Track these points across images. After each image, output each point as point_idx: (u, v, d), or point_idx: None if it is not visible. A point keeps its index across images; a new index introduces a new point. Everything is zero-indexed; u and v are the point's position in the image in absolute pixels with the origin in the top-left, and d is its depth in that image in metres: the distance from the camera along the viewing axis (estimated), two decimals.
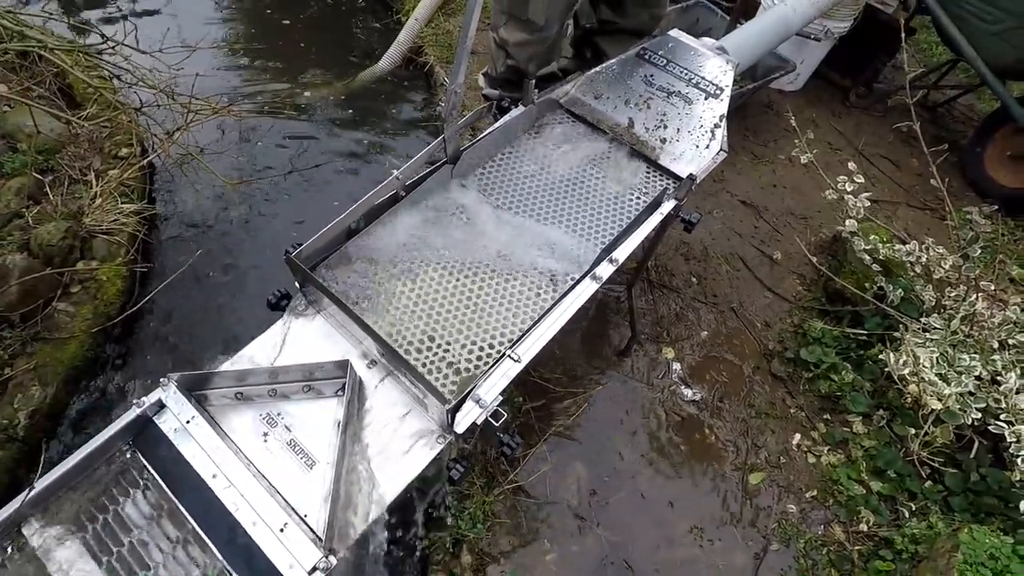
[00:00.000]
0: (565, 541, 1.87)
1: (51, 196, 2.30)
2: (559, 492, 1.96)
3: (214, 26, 3.67)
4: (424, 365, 1.47)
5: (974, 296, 2.13)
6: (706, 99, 1.92)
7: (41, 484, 1.26)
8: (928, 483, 2.08)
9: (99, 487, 1.33)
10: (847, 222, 2.42)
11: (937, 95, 3.97)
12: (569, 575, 1.81)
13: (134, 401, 1.36)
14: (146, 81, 2.03)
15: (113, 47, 1.93)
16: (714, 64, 1.94)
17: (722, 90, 1.91)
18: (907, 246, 2.33)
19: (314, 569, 1.20)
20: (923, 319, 2.21)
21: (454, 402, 1.28)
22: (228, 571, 1.24)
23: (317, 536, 1.25)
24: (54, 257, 2.12)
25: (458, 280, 1.60)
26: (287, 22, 3.76)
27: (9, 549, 1.24)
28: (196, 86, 2.25)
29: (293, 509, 1.30)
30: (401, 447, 1.40)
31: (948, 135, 3.74)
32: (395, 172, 1.59)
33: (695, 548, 1.92)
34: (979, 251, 2.11)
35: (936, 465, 2.02)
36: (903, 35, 2.33)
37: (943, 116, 3.93)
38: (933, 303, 2.28)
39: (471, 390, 1.33)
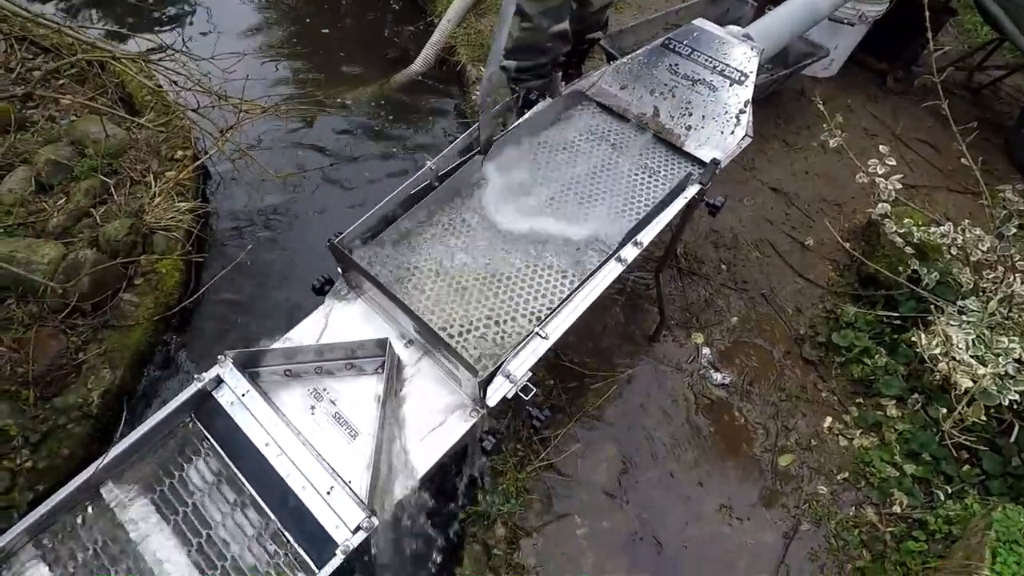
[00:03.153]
0: (596, 517, 1.93)
1: (115, 196, 2.49)
2: (590, 471, 2.03)
3: (257, 34, 3.86)
4: (457, 342, 1.56)
5: (1012, 277, 2.09)
6: (731, 86, 1.95)
7: (114, 451, 1.40)
8: (965, 467, 2.07)
9: (165, 455, 1.47)
10: (879, 205, 2.40)
11: (982, 76, 3.86)
12: (600, 550, 1.87)
13: (195, 376, 1.49)
14: (201, 85, 2.19)
15: (172, 55, 2.09)
16: (739, 51, 1.97)
17: (747, 76, 1.94)
18: (942, 228, 2.30)
19: (358, 528, 1.31)
20: (960, 302, 2.19)
21: (485, 375, 1.36)
22: (281, 531, 1.36)
23: (360, 500, 1.36)
24: (119, 252, 2.29)
25: (488, 263, 1.68)
26: (326, 30, 3.92)
27: (90, 508, 1.39)
28: (240, 90, 2.40)
29: (338, 475, 1.41)
30: (437, 420, 1.49)
31: (993, 116, 3.63)
32: (428, 162, 1.69)
33: (724, 526, 1.96)
34: (1014, 230, 2.07)
35: (970, 445, 2.00)
36: (925, 13, 2.28)
37: (988, 97, 3.82)
38: (971, 286, 2.25)
39: (501, 365, 1.41)
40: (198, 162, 2.57)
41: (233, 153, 2.46)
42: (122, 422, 1.72)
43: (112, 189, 2.50)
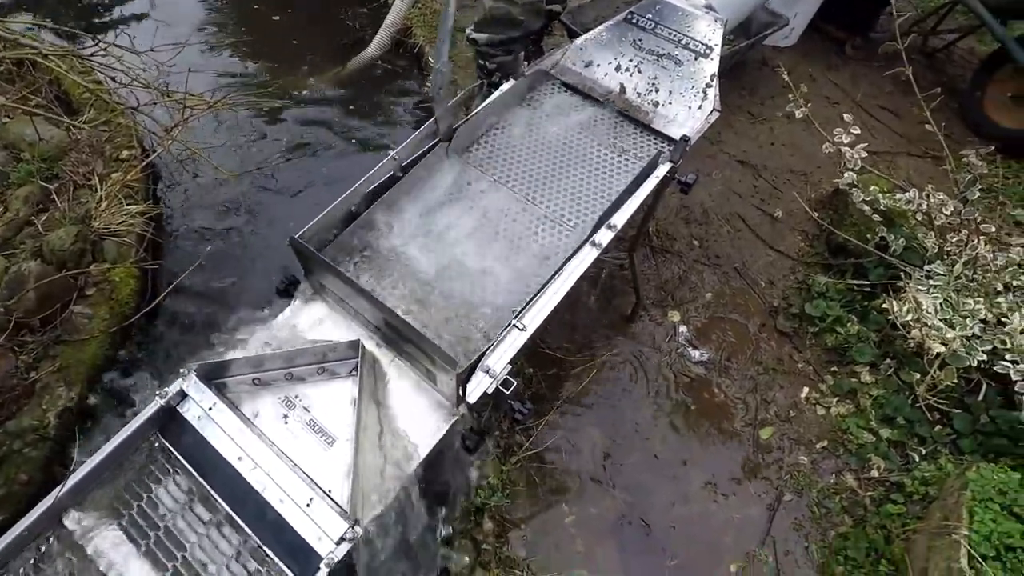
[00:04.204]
0: (583, 504, 1.92)
1: (58, 202, 2.34)
2: (574, 458, 2.01)
3: (204, 26, 3.67)
4: (434, 337, 1.50)
5: (975, 240, 2.13)
6: (696, 59, 1.91)
7: (75, 477, 1.32)
8: (937, 427, 2.12)
9: (131, 477, 1.39)
10: (845, 174, 2.42)
11: (936, 40, 3.91)
12: (588, 536, 1.87)
13: (157, 392, 1.41)
14: (140, 80, 2.05)
15: (104, 49, 1.95)
16: (703, 23, 1.93)
17: (712, 49, 1.90)
18: (907, 194, 2.33)
19: (341, 539, 1.26)
20: (926, 267, 2.22)
21: (463, 370, 1.32)
22: (261, 547, 1.30)
23: (342, 509, 1.31)
24: (67, 262, 2.16)
25: (462, 254, 1.63)
26: (276, 17, 3.74)
27: (52, 538, 1.31)
28: (190, 83, 2.26)
29: (317, 485, 1.35)
30: (417, 421, 1.44)
31: (948, 80, 3.69)
32: (391, 152, 1.62)
33: (710, 503, 1.98)
34: (978, 194, 2.10)
35: (944, 408, 2.05)
36: None
37: (942, 61, 3.88)
38: (936, 250, 2.28)
39: (480, 360, 1.37)
40: (145, 162, 2.42)
41: (182, 152, 2.32)
42: (76, 444, 1.62)
43: (54, 195, 2.35)
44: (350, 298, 1.49)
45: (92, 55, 1.96)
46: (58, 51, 2.26)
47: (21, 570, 1.27)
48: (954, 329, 2.04)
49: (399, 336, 1.44)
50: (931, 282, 2.16)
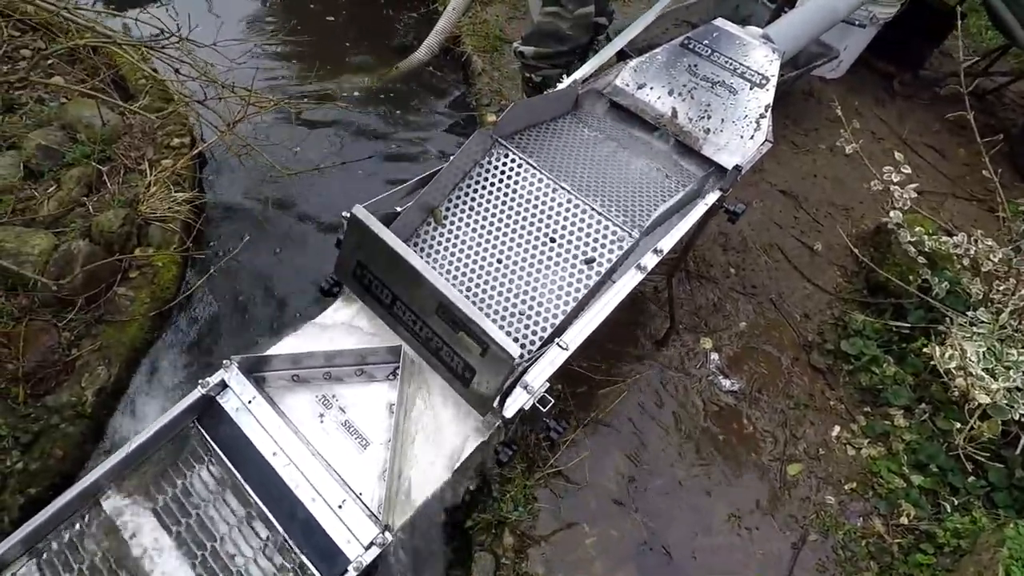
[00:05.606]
0: (604, 526, 1.90)
1: (109, 185, 2.39)
2: (598, 478, 2.00)
3: (261, 23, 3.74)
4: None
5: None
6: (751, 89, 1.90)
7: (115, 458, 1.34)
8: (971, 478, 2.06)
9: (167, 463, 1.41)
10: (892, 213, 2.38)
11: (987, 82, 3.85)
12: (608, 559, 1.84)
13: (199, 381, 1.43)
14: (208, 75, 2.10)
15: (178, 42, 2.00)
16: (759, 53, 1.93)
17: (767, 79, 1.89)
18: (955, 238, 2.29)
19: (371, 544, 1.26)
20: (970, 313, 2.18)
21: (504, 387, 1.32)
22: (289, 544, 1.31)
23: (373, 513, 1.31)
24: (113, 244, 2.21)
25: (502, 265, 1.62)
26: (330, 18, 3.81)
27: (88, 517, 1.33)
28: (244, 78, 2.32)
29: (350, 487, 1.36)
30: (452, 430, 1.45)
31: (998, 123, 3.63)
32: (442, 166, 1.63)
33: (733, 536, 1.94)
34: None
35: (981, 460, 1.99)
36: (958, 20, 2.25)
37: (993, 104, 3.81)
38: (980, 296, 2.24)
39: (520, 376, 1.36)
40: (196, 151, 2.47)
41: (236, 146, 2.37)
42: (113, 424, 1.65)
43: (105, 177, 2.41)
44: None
45: (164, 47, 2.01)
46: (131, 41, 2.32)
47: (55, 545, 1.29)
48: (996, 380, 1.99)
49: (452, 326, 1.40)
50: (975, 329, 2.11)
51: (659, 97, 1.99)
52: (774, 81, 1.89)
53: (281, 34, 3.38)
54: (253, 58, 2.85)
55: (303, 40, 3.59)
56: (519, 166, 1.71)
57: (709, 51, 1.97)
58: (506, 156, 1.72)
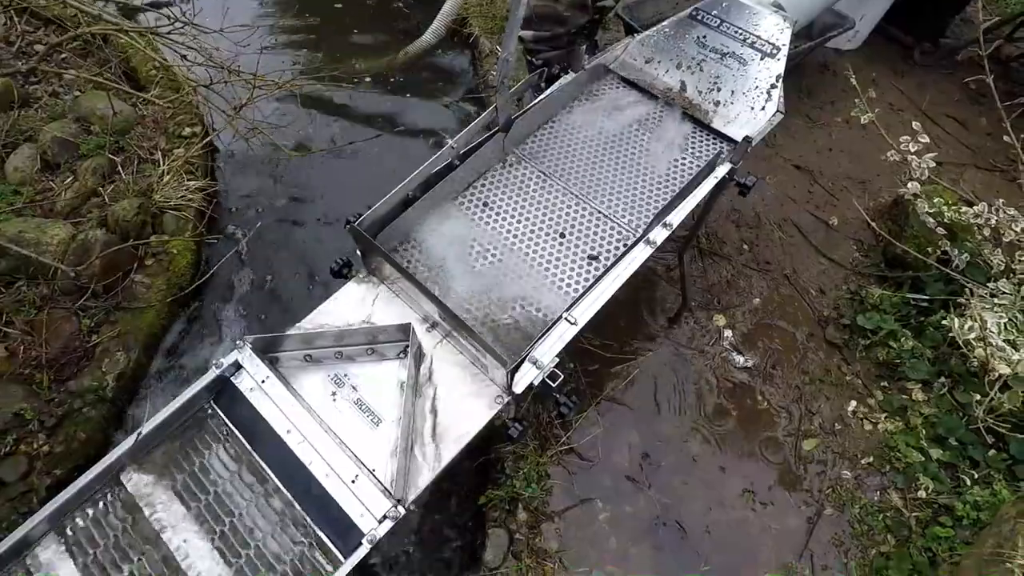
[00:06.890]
0: (618, 502, 1.91)
1: (123, 175, 2.43)
2: (611, 455, 2.00)
3: (265, 6, 3.75)
4: (483, 328, 1.51)
5: None
6: (762, 59, 1.87)
7: (135, 437, 1.37)
8: (992, 451, 2.03)
9: (185, 442, 1.44)
10: (910, 184, 2.33)
11: (1010, 48, 3.72)
12: (622, 535, 1.85)
13: (213, 362, 1.45)
14: (213, 60, 2.11)
15: (183, 27, 2.01)
16: (770, 22, 1.89)
17: (779, 49, 1.85)
18: (975, 208, 2.23)
19: (384, 517, 1.28)
20: (991, 284, 2.13)
21: (513, 364, 1.32)
22: (305, 519, 1.34)
23: (386, 488, 1.33)
24: (129, 232, 2.25)
25: (512, 244, 1.63)
26: (339, 5, 3.80)
27: (110, 494, 1.36)
28: (252, 63, 2.32)
29: (362, 463, 1.38)
30: (461, 407, 1.45)
31: (1022, 91, 3.51)
32: (449, 141, 1.63)
33: (747, 511, 1.94)
34: None
35: (1002, 432, 1.96)
36: None
37: (1017, 71, 3.69)
38: (1002, 267, 2.18)
39: (529, 352, 1.37)
40: (207, 139, 2.50)
41: (244, 130, 2.38)
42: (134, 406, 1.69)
43: (120, 167, 2.44)
44: (402, 283, 1.51)
45: (169, 33, 2.03)
46: (137, 28, 2.34)
47: (80, 522, 1.33)
48: (1018, 350, 1.95)
49: (450, 323, 1.45)
50: (996, 300, 2.07)
51: (667, 70, 1.96)
52: (785, 51, 1.85)
53: (288, 18, 3.37)
54: (261, 43, 2.85)
55: (311, 25, 3.58)
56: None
57: (718, 22, 1.94)
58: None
